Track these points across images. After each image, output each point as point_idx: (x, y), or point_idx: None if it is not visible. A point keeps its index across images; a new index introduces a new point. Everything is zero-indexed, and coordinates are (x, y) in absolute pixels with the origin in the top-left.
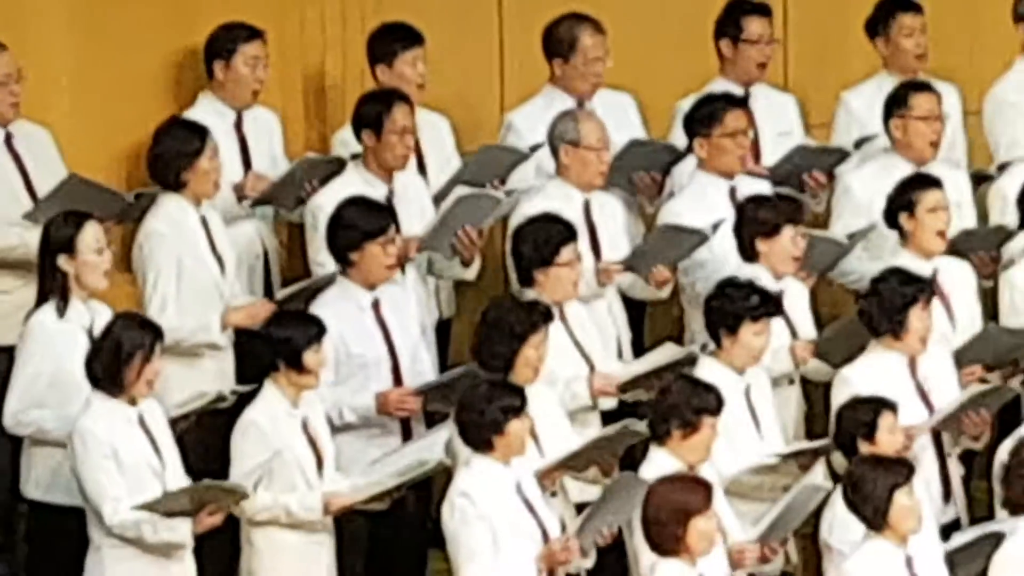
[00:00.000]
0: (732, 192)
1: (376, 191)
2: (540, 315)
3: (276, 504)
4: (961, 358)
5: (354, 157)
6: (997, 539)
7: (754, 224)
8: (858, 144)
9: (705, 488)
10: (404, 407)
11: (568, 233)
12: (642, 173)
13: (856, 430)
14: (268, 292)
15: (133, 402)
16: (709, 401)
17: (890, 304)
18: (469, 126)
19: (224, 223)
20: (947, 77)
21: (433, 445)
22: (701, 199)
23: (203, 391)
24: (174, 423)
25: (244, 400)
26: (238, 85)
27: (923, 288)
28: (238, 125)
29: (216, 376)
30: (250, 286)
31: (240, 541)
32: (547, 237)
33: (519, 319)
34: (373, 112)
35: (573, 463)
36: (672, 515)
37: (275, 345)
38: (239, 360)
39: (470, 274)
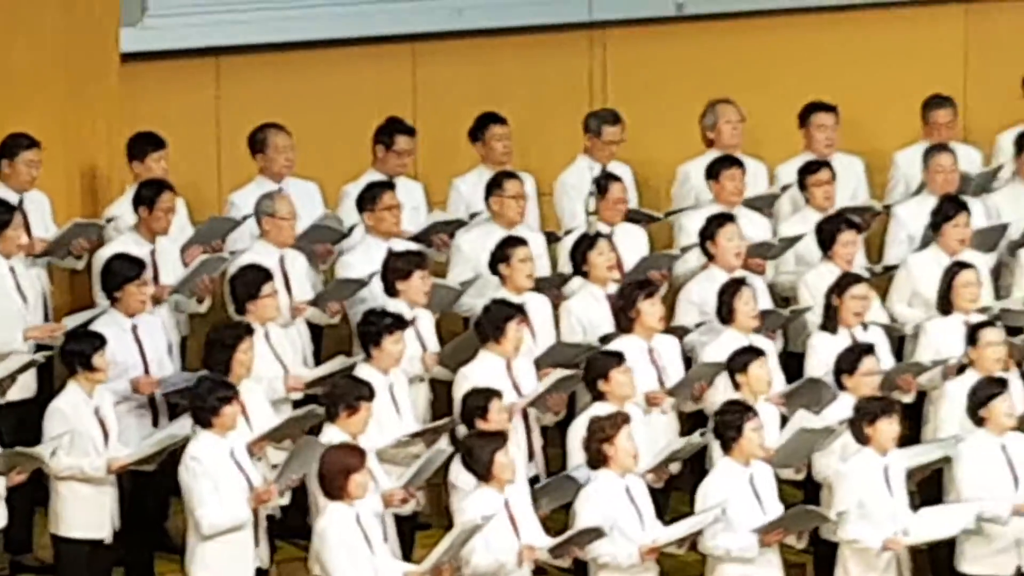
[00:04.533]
0: (389, 251)
1: (143, 249)
2: (244, 329)
3: (75, 465)
4: (540, 363)
5: (108, 220)
6: (575, 483)
7: (394, 271)
8: (471, 216)
9: (361, 453)
10: (150, 389)
11: (267, 275)
12: (319, 245)
13: (474, 412)
14: (46, 318)
15: None
16: (365, 391)
17: (496, 319)
18: (197, 203)
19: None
20: (525, 168)
21: (183, 426)
22: (366, 254)
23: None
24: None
25: (53, 395)
26: (20, 178)
27: (519, 309)
28: (20, 203)
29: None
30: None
31: (37, 493)
32: (253, 278)
33: (230, 334)
34: (148, 195)
35: (273, 436)
36: (338, 471)
37: (72, 355)
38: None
39: (203, 308)
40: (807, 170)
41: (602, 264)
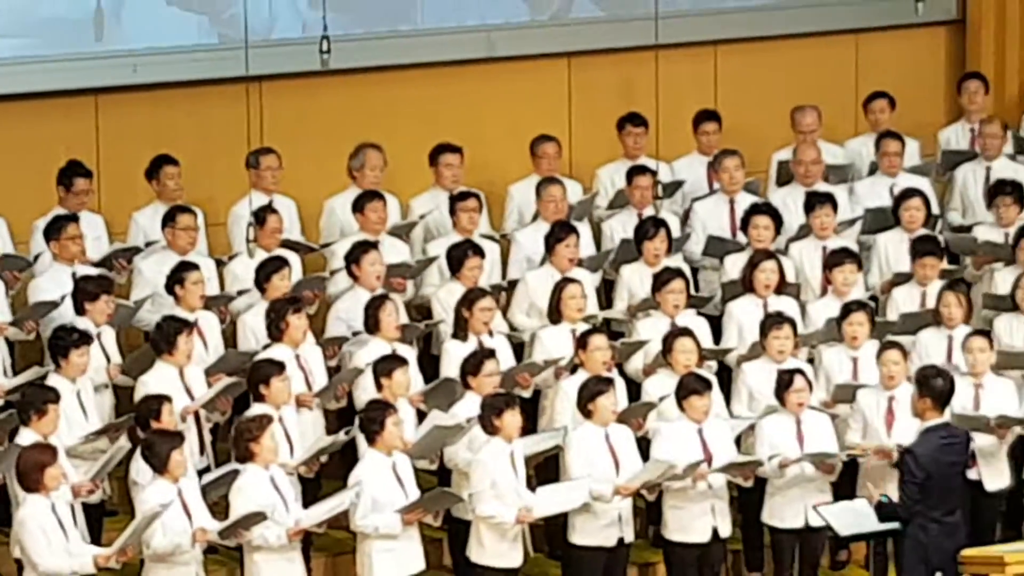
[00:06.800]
0: (73, 275)
1: None
2: None
3: None
4: (211, 370)
5: None
6: (235, 473)
7: (84, 292)
8: (147, 244)
9: (52, 450)
10: None
11: None
12: (7, 272)
13: (148, 414)
14: None
15: None
16: (50, 395)
17: (168, 333)
18: None
19: None
20: (195, 202)
21: None
22: (54, 278)
23: None
24: None
25: None
26: None
27: (188, 324)
28: None
29: None
30: None
31: None
32: None
33: None
34: None
35: None
36: (34, 466)
37: None
38: None
39: None
40: (458, 198)
41: (281, 286)
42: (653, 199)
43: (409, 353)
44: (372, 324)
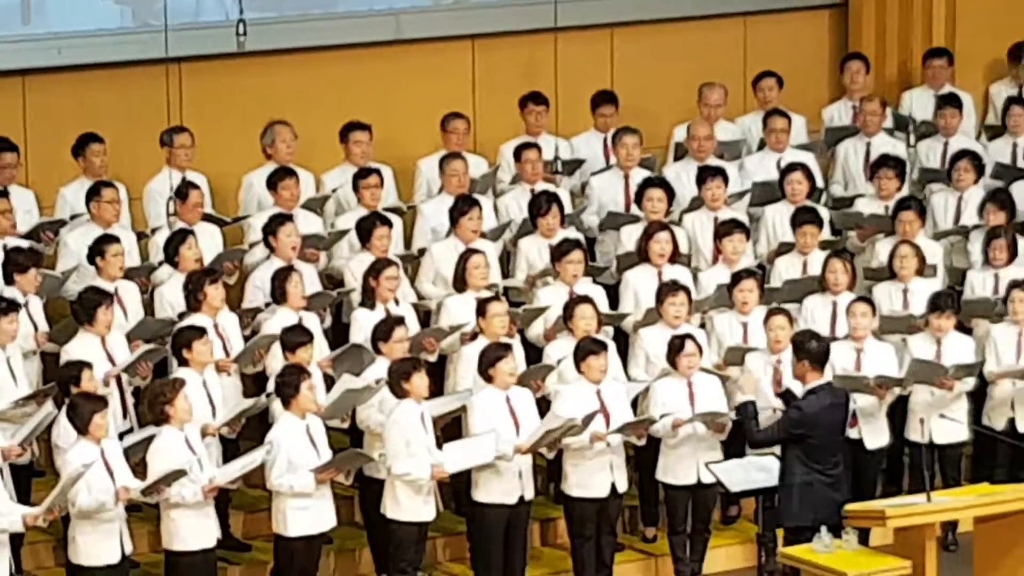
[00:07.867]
0: (4, 247)
1: None
2: None
3: None
4: (131, 336)
5: None
6: (152, 437)
7: (15, 264)
8: (72, 217)
9: None
10: None
11: None
12: None
13: (69, 380)
14: None
15: None
16: None
17: (87, 305)
18: None
19: None
20: (118, 178)
21: None
22: None
23: None
24: None
25: None
26: None
27: (107, 296)
28: None
29: None
30: None
31: None
32: None
33: None
34: None
35: None
36: None
37: None
38: None
39: None
40: (359, 176)
41: (191, 256)
42: (553, 172)
43: (314, 321)
44: (279, 295)
